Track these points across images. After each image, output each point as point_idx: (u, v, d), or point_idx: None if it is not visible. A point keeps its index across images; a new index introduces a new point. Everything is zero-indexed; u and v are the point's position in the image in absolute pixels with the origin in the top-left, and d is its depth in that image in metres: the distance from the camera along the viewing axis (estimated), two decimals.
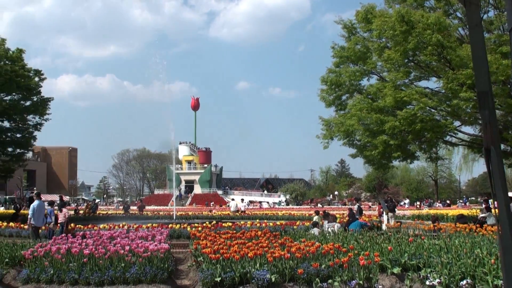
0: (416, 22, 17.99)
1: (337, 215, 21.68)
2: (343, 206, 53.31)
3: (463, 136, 23.56)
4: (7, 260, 10.85)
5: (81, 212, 36.21)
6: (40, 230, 17.14)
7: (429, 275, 8.82)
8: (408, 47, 18.45)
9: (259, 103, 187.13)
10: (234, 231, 14.74)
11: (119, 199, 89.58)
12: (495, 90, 17.66)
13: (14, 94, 29.25)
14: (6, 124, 29.92)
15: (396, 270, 9.36)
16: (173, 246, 14.65)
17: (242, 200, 59.60)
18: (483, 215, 21.27)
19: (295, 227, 18.11)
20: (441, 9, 19.51)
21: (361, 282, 8.62)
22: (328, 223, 16.90)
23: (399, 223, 19.18)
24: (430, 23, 17.68)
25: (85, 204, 49.66)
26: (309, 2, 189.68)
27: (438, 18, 17.68)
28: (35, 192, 18.02)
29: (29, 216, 16.82)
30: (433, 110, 20.03)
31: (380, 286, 8.72)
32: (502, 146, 22.07)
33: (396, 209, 25.63)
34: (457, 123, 21.29)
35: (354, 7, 24.30)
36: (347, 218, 20.66)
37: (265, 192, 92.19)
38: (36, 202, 16.86)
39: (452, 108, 18.70)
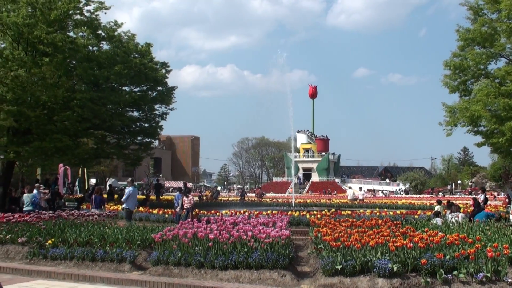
0: None
1: (460, 205, 20.89)
2: (466, 196, 50.98)
3: None
4: (138, 242, 11.68)
5: (204, 198, 37.87)
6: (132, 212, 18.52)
7: None
8: None
9: (378, 90, 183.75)
10: (354, 219, 14.71)
11: (239, 186, 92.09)
12: None
13: (143, 85, 30.98)
14: (135, 114, 31.77)
15: None
16: (293, 233, 14.89)
17: (360, 188, 58.94)
18: None
19: (416, 216, 17.68)
20: None
21: (488, 274, 8.31)
22: (451, 213, 16.35)
23: None
24: None
25: (207, 190, 51.74)
26: None
27: None
28: (130, 179, 19.31)
29: (122, 199, 18.65)
30: None
31: (510, 280, 8.34)
32: None
33: None
34: None
35: None
36: (471, 208, 19.85)
37: (387, 180, 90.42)
38: (130, 188, 18.33)
39: None
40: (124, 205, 18.25)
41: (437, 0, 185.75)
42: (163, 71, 31.91)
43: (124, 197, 18.23)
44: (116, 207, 22.03)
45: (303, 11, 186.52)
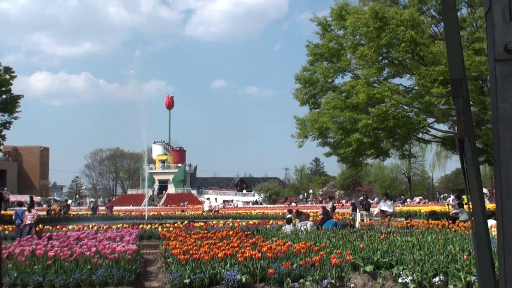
0: (389, 18, 17.96)
1: (311, 214, 21.61)
2: (317, 205, 53.39)
3: (436, 133, 23.68)
4: None
5: (52, 212, 35.56)
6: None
7: (401, 272, 8.71)
8: (381, 43, 18.41)
9: (235, 102, 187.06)
10: (206, 231, 14.50)
11: (92, 199, 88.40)
12: (469, 87, 17.74)
13: None
14: None
15: (369, 268, 9.24)
16: (144, 247, 14.38)
17: (216, 199, 59.27)
18: (455, 211, 21.41)
19: (268, 226, 17.92)
20: (415, 6, 19.52)
21: (333, 281, 8.47)
22: (300, 221, 16.76)
23: (371, 221, 19.17)
24: (403, 19, 17.68)
25: (56, 204, 48.82)
26: (287, 1, 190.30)
27: (411, 15, 17.68)
28: None
29: None
30: (405, 107, 20.04)
31: (352, 285, 8.57)
32: (476, 144, 22.22)
33: (371, 207, 25.63)
34: (430, 120, 21.37)
35: (331, 5, 24.28)
36: (320, 216, 20.58)
37: (243, 191, 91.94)
38: None
39: (424, 104, 18.74)
40: None
41: (292, 15, 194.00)
42: (7, 76, 29.60)
43: None
44: None
45: (161, 21, 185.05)
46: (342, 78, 23.78)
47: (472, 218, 2.27)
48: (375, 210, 23.19)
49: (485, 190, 63.60)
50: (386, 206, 21.30)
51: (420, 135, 22.72)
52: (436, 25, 21.20)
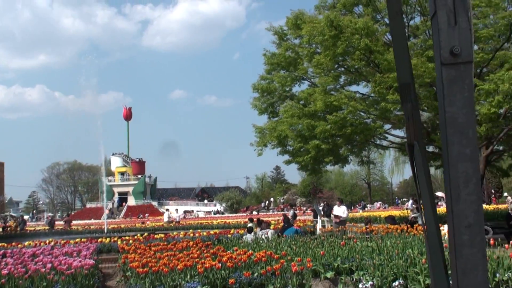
0: (344, 27, 18.18)
1: (273, 222, 21.62)
2: (279, 212, 53.50)
3: (393, 139, 24.06)
4: None
5: (8, 229, 34.54)
6: None
7: (362, 277, 8.76)
8: (337, 51, 18.60)
9: (195, 112, 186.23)
10: (165, 243, 14.30)
11: (50, 214, 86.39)
12: (422, 93, 18.07)
13: None
14: None
15: (329, 274, 9.27)
16: (103, 261, 14.10)
17: (177, 210, 58.76)
18: (414, 215, 21.80)
19: (229, 235, 17.83)
20: (369, 15, 19.83)
21: None
22: (261, 230, 16.74)
23: (331, 228, 19.30)
24: (358, 28, 17.92)
25: (12, 220, 47.47)
26: (244, 11, 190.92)
27: (366, 23, 17.94)
28: None
29: None
30: (363, 114, 20.29)
31: None
32: (430, 148, 22.69)
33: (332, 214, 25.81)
34: (387, 126, 21.71)
35: (287, 14, 24.46)
36: (282, 224, 20.60)
37: (205, 201, 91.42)
38: None
39: (380, 111, 19.02)
40: None
41: (249, 25, 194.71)
42: None
43: None
44: None
45: (117, 32, 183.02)
46: (299, 86, 23.95)
47: (424, 222, 2.28)
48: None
49: (441, 194, 65.02)
50: (339, 211, 21.45)
51: (378, 141, 23.05)
52: (390, 33, 21.58)
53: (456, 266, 2.22)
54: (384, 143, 24.02)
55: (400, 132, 24.09)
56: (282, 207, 70.42)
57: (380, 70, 18.58)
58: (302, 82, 23.43)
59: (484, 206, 27.62)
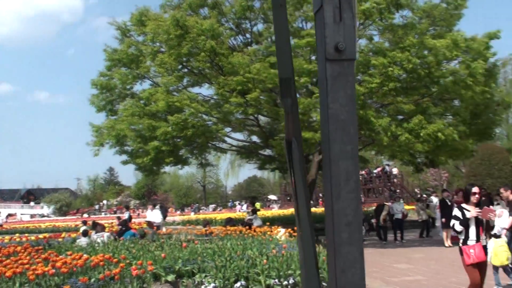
0: (190, 27, 18.14)
1: (107, 224, 20.78)
2: (112, 215, 51.92)
3: (233, 142, 24.48)
4: None
5: None
6: None
7: (204, 280, 8.69)
8: (182, 52, 18.50)
9: (23, 108, 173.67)
10: None
11: None
12: (263, 98, 18.66)
13: None
14: None
15: (170, 277, 9.06)
16: None
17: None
18: (249, 217, 22.35)
19: (60, 239, 16.75)
20: (215, 17, 20.01)
21: None
22: (96, 233, 16.00)
23: (170, 230, 19.07)
24: (204, 29, 17.99)
25: None
26: (82, 5, 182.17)
27: (212, 25, 18.08)
28: None
29: None
30: (205, 116, 20.38)
31: None
32: (269, 152, 23.53)
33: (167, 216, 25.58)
34: (227, 130, 22.04)
35: (130, 11, 23.61)
36: (117, 227, 19.93)
37: (31, 203, 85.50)
38: None
39: (222, 114, 19.28)
40: None
41: (87, 20, 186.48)
42: None
43: None
44: None
45: None
46: (141, 85, 23.46)
47: (298, 219, 2.20)
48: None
49: (275, 197, 68.00)
50: (153, 216, 21.15)
51: (218, 144, 23.30)
52: (234, 37, 22.04)
53: (335, 265, 2.18)
54: (224, 146, 24.38)
55: (240, 135, 24.68)
56: (115, 209, 68.43)
57: (224, 73, 18.83)
58: (144, 81, 22.97)
59: (314, 209, 29.32)
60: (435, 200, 22.49)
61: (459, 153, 20.65)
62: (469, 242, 7.46)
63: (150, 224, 18.16)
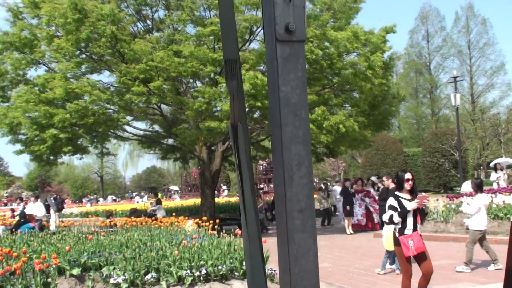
0: (89, 11, 17.34)
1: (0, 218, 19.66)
2: (3, 207, 49.18)
3: (134, 131, 23.83)
4: None
5: None
6: None
7: (112, 272, 8.43)
8: (81, 37, 17.66)
9: None
10: None
11: None
12: (166, 87, 18.29)
13: None
14: None
15: (76, 271, 8.70)
16: None
17: None
18: (153, 208, 22.03)
19: None
20: (115, 2, 19.24)
21: None
22: None
23: (71, 222, 18.36)
24: (104, 14, 17.26)
25: None
26: None
27: (112, 10, 17.37)
28: None
29: None
30: (106, 104, 19.64)
31: None
32: (171, 141, 23.19)
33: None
34: (129, 118, 21.42)
35: None
36: (10, 220, 18.92)
37: None
38: None
39: (124, 102, 18.70)
40: None
41: None
42: None
43: None
44: None
45: None
46: (36, 71, 22.22)
47: (244, 206, 2.14)
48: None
49: (176, 187, 67.44)
50: (34, 209, 20.30)
51: (119, 133, 22.61)
52: (135, 24, 21.44)
53: (288, 252, 2.14)
54: (126, 135, 23.70)
55: (142, 124, 24.12)
56: (5, 201, 64.75)
57: (125, 60, 18.26)
58: (39, 66, 21.71)
59: (217, 199, 29.38)
60: (338, 189, 23.19)
61: (358, 143, 21.47)
62: (406, 232, 7.20)
63: (31, 217, 16.93)
